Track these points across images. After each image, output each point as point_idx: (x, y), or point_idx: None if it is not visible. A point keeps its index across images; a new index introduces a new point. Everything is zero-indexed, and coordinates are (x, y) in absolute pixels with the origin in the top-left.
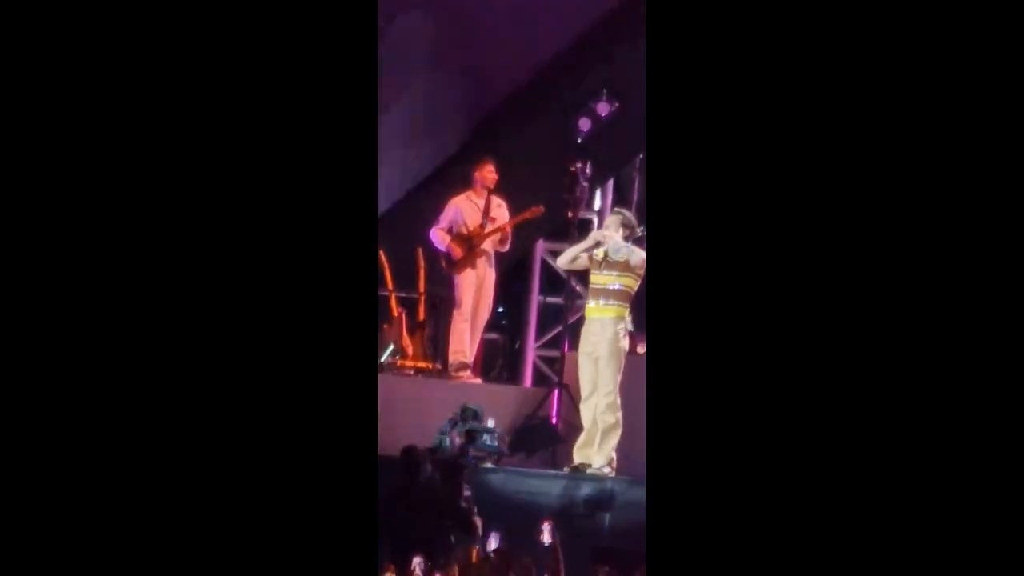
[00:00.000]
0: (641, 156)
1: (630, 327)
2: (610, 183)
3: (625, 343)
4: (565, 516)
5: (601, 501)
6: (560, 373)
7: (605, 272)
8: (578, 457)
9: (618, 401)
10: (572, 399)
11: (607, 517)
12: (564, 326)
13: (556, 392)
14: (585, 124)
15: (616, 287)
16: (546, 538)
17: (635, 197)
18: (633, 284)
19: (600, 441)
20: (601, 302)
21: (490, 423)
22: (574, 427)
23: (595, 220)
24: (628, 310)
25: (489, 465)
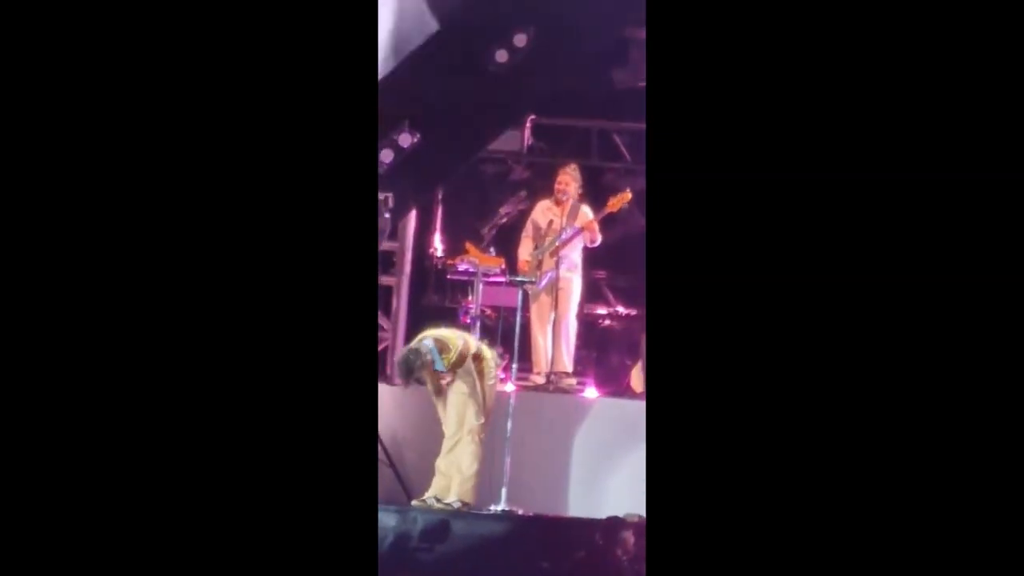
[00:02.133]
0: (441, 189)
1: None
2: (412, 214)
3: None
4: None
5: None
6: None
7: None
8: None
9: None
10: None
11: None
12: None
13: None
14: (388, 156)
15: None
16: None
17: (437, 228)
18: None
19: None
20: None
21: None
22: None
23: (396, 251)
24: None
25: None
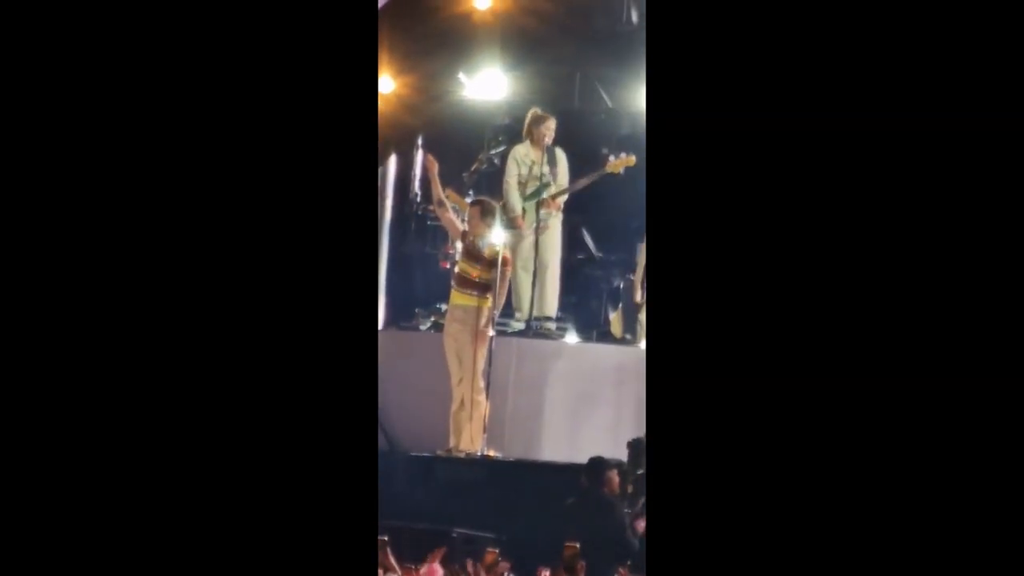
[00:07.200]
0: (421, 135)
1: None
2: (392, 159)
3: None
4: None
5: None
6: None
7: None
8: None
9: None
10: None
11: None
12: None
13: None
14: None
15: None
16: None
17: (416, 174)
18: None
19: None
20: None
21: None
22: None
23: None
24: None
25: None
